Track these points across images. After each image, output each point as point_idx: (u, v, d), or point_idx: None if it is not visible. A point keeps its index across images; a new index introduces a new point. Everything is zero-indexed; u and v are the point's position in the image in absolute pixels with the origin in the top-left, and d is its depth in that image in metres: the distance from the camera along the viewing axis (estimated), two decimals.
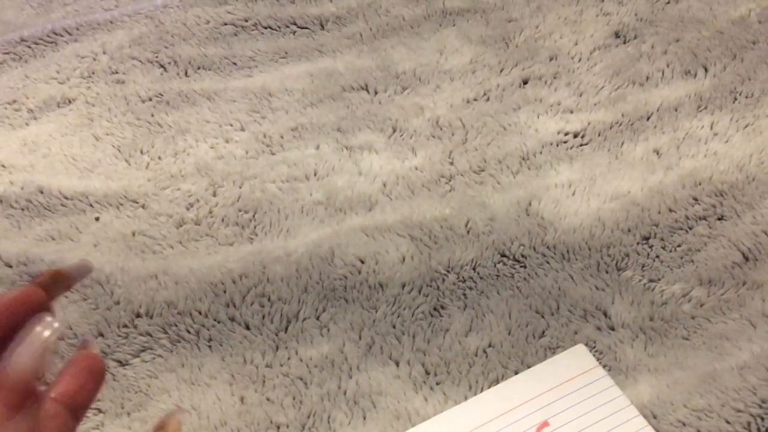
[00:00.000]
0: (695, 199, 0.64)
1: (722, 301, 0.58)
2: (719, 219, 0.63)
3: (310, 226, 0.65)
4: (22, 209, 0.67)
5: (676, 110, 0.71)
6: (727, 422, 0.51)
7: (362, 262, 0.62)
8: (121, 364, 0.57)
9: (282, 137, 0.73)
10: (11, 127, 0.75)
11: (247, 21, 0.84)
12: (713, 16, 0.79)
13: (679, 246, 0.62)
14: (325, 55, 0.81)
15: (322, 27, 0.83)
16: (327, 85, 0.77)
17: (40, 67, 0.80)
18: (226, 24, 0.84)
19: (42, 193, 0.68)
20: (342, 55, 0.80)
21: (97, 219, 0.66)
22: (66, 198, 0.68)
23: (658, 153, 0.68)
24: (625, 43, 0.78)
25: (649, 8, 0.81)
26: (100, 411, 0.55)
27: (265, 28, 0.83)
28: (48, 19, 0.88)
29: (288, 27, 0.83)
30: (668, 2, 0.81)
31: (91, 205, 0.67)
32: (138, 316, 0.59)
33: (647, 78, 0.75)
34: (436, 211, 0.66)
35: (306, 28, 0.83)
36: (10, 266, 0.62)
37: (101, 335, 0.58)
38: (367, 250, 0.63)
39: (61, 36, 0.83)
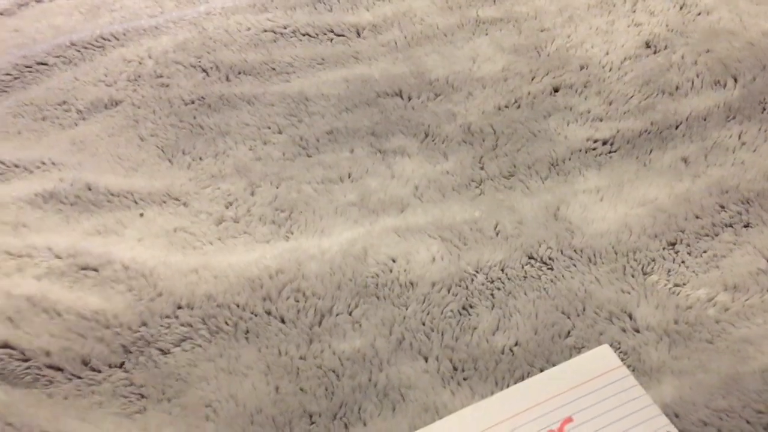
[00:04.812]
0: (722, 207, 0.65)
1: (746, 307, 0.59)
2: (745, 226, 0.64)
3: (344, 226, 0.68)
4: (71, 205, 0.70)
5: (704, 120, 0.73)
6: (748, 423, 0.52)
7: (394, 261, 0.64)
8: (163, 352, 0.60)
9: (318, 140, 0.76)
10: (61, 127, 0.79)
11: (286, 28, 0.87)
12: (744, 28, 0.80)
13: (704, 252, 0.63)
14: (361, 62, 0.83)
15: (358, 35, 0.86)
16: (362, 91, 0.80)
17: (89, 70, 0.84)
18: (266, 31, 0.87)
19: (90, 189, 0.71)
20: (377, 62, 0.83)
21: (141, 215, 0.70)
22: (112, 195, 0.71)
23: (686, 161, 0.70)
24: (655, 53, 0.80)
25: (680, 19, 0.82)
26: (142, 396, 0.57)
27: (304, 35, 0.86)
28: (96, 24, 0.92)
29: (325, 34, 0.86)
30: (699, 13, 0.82)
31: (135, 202, 0.70)
32: (179, 307, 0.62)
33: (677, 88, 0.76)
34: (466, 214, 0.68)
35: (342, 35, 0.86)
36: (60, 258, 0.65)
37: (145, 325, 0.61)
38: (398, 250, 0.65)
39: (109, 41, 0.87)
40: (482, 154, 0.73)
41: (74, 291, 0.63)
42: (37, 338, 0.60)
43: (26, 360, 0.59)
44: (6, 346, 0.59)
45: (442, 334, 0.60)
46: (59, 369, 0.59)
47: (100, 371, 0.59)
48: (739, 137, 0.71)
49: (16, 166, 0.74)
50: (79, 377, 0.58)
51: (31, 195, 0.71)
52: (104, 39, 0.87)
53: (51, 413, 0.56)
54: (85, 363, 0.59)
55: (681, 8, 0.83)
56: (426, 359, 0.59)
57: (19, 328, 0.60)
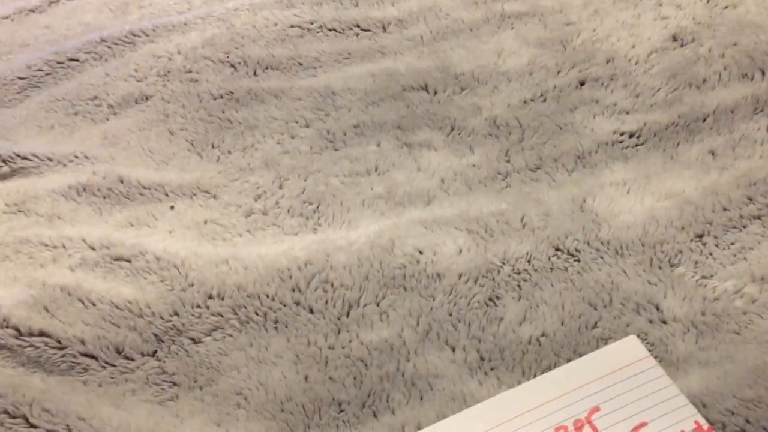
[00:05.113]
0: (749, 199, 0.65)
1: None
2: None
3: (371, 218, 0.69)
4: (104, 197, 0.72)
5: (732, 112, 0.73)
6: None
7: (421, 253, 0.65)
8: (194, 341, 0.61)
9: (345, 134, 0.76)
10: (93, 122, 0.81)
11: (312, 23, 0.88)
12: None
13: (732, 244, 0.63)
14: (387, 56, 0.84)
15: (384, 29, 0.87)
16: (388, 85, 0.81)
17: (120, 66, 0.86)
18: (292, 26, 0.88)
19: (122, 182, 0.73)
20: (403, 56, 0.84)
21: (172, 207, 0.71)
22: (144, 188, 0.72)
23: (713, 154, 0.70)
24: (682, 46, 0.80)
25: (707, 12, 0.82)
26: (174, 384, 0.59)
27: (330, 30, 0.87)
28: (126, 20, 0.93)
29: (351, 29, 0.87)
30: (726, 7, 0.82)
31: (166, 195, 0.72)
32: (210, 297, 0.63)
33: (704, 80, 0.76)
34: (493, 206, 0.68)
35: (369, 30, 0.87)
36: (94, 249, 0.67)
37: (177, 314, 0.62)
38: (425, 242, 0.66)
39: (139, 37, 0.88)
40: (508, 147, 0.73)
41: (108, 281, 0.65)
42: (72, 327, 0.61)
43: (62, 348, 0.60)
44: (42, 334, 0.61)
45: (469, 325, 0.61)
46: (94, 357, 0.60)
47: (133, 359, 0.60)
48: (767, 129, 0.70)
49: (50, 159, 0.76)
50: (113, 365, 0.60)
51: (65, 188, 0.72)
52: (134, 35, 0.88)
53: (86, 400, 0.58)
54: (119, 351, 0.60)
55: (708, 1, 0.83)
56: (453, 349, 0.59)
57: (54, 317, 0.62)
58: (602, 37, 0.82)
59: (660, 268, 0.62)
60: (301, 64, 0.84)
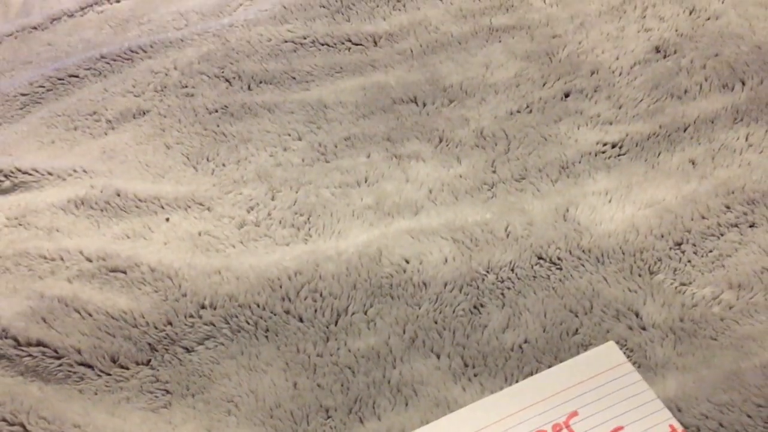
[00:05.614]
0: (727, 207, 0.67)
1: (750, 305, 0.61)
2: (750, 226, 0.66)
3: (360, 229, 0.70)
4: (101, 210, 0.74)
5: (712, 122, 0.74)
6: (749, 416, 0.53)
7: (407, 262, 0.67)
8: (187, 350, 0.63)
9: (336, 146, 0.78)
10: (92, 136, 0.83)
11: (305, 38, 0.90)
12: (752, 32, 0.81)
13: (710, 251, 0.65)
14: (378, 69, 0.86)
15: (375, 44, 0.89)
16: (378, 98, 0.83)
17: (118, 81, 0.88)
18: (286, 41, 0.90)
19: (119, 196, 0.75)
20: (393, 69, 0.86)
21: (167, 220, 0.73)
22: (140, 200, 0.74)
23: (693, 163, 0.71)
24: (665, 57, 0.81)
25: (689, 24, 0.84)
26: (167, 392, 0.61)
27: (322, 45, 0.89)
28: (125, 37, 0.95)
29: (343, 44, 0.89)
30: (708, 18, 0.84)
31: (162, 207, 0.74)
32: (203, 307, 0.65)
33: (685, 91, 0.77)
34: (478, 216, 0.70)
35: (360, 44, 0.89)
36: (90, 261, 0.69)
37: (170, 324, 0.64)
38: (412, 251, 0.68)
39: (137, 53, 0.91)
40: (494, 158, 0.75)
41: (104, 292, 0.67)
42: (69, 337, 0.63)
43: (59, 358, 0.62)
44: (40, 344, 0.63)
45: (454, 333, 0.62)
46: (89, 366, 0.62)
47: (128, 368, 0.62)
48: (746, 139, 0.72)
49: (50, 174, 0.78)
50: (109, 374, 0.62)
51: (63, 201, 0.75)
52: (132, 51, 0.91)
53: (82, 408, 0.60)
54: (114, 360, 0.62)
55: (690, 13, 0.85)
56: (438, 356, 0.61)
57: (52, 327, 0.64)
58: (587, 50, 0.84)
59: (640, 275, 0.64)
60: (294, 78, 0.86)
